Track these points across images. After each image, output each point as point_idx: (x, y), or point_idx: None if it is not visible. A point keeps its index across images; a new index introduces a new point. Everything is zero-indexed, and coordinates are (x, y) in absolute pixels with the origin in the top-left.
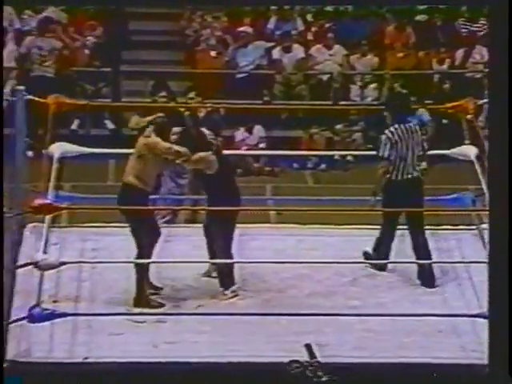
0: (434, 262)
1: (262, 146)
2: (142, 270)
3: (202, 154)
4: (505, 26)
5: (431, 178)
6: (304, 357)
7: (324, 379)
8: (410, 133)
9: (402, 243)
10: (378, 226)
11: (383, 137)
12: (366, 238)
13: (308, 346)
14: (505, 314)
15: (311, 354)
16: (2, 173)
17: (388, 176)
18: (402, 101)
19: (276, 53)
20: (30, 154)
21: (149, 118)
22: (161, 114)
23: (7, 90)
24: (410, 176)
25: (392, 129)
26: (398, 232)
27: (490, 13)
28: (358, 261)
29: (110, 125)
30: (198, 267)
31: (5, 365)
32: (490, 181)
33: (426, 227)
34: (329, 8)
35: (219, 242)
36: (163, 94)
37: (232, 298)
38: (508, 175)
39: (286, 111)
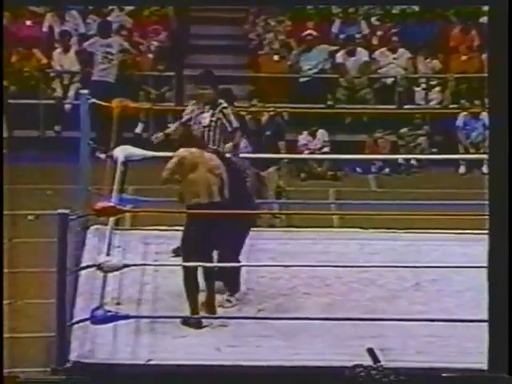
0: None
1: (325, 150)
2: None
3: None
4: (505, 27)
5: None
6: (367, 361)
7: (389, 381)
8: None
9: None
10: (442, 231)
11: (231, 110)
12: (428, 242)
13: (370, 350)
14: (504, 318)
15: (374, 358)
16: (1, 173)
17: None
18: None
19: (340, 56)
20: (102, 156)
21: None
22: None
23: (71, 93)
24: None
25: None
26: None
27: (489, 13)
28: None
29: None
30: (259, 270)
31: (68, 365)
32: (491, 185)
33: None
34: (395, 10)
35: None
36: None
37: (234, 306)
38: (508, 180)
39: (350, 115)
